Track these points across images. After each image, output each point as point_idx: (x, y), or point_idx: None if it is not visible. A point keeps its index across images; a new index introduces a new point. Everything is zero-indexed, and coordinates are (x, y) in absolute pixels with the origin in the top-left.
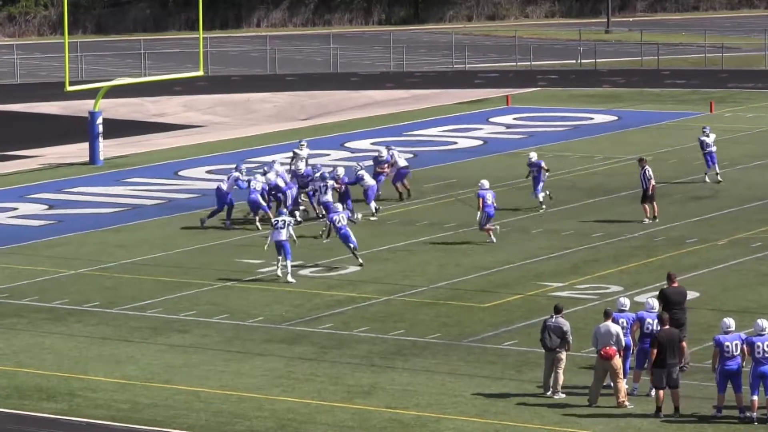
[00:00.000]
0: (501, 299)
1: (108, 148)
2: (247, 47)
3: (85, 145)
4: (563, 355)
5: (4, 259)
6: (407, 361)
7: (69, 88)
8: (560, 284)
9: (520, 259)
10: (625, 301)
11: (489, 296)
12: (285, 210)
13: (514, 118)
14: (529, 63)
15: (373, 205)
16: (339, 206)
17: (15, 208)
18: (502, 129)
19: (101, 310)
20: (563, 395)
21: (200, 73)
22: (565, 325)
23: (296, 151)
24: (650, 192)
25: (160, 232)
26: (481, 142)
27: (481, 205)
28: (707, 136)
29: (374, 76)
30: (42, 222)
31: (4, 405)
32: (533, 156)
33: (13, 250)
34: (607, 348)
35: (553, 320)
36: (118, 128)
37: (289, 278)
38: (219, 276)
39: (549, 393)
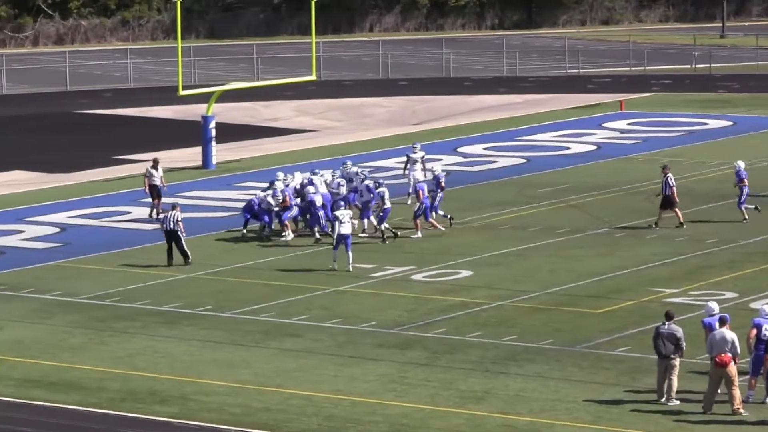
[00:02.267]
0: (615, 305)
1: (221, 152)
2: (360, 52)
3: (198, 150)
4: (677, 362)
5: (117, 262)
6: (520, 366)
7: (182, 93)
8: (674, 290)
9: (633, 264)
10: (714, 306)
11: (602, 302)
12: (342, 203)
13: (628, 124)
14: (643, 68)
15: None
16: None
17: (128, 212)
18: (616, 134)
19: (214, 314)
20: (677, 402)
21: (313, 77)
22: (679, 331)
23: (410, 155)
24: (673, 199)
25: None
26: (594, 148)
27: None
28: None
29: (487, 81)
30: (155, 226)
31: (118, 408)
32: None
33: (127, 253)
34: (723, 355)
35: (666, 327)
36: (230, 132)
37: (350, 268)
38: (331, 280)
39: (663, 399)
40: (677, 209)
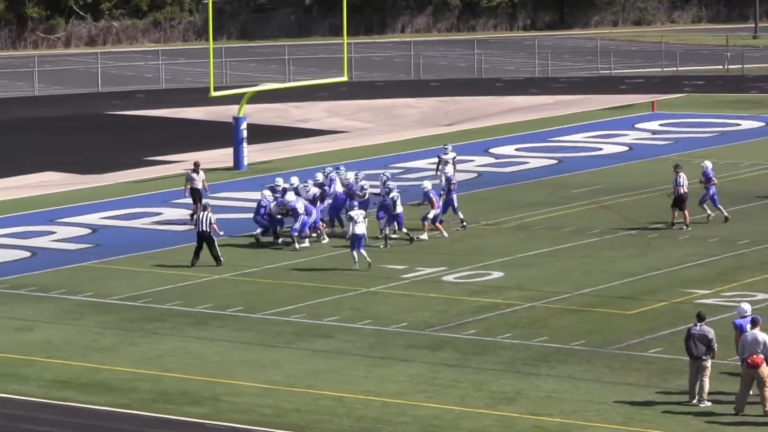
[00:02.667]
0: (646, 306)
1: (252, 153)
2: (391, 53)
3: (230, 150)
4: (708, 363)
5: (148, 263)
6: (551, 367)
7: (213, 94)
8: (706, 291)
9: (666, 265)
10: (747, 307)
11: (634, 303)
12: (356, 203)
13: (660, 124)
14: (675, 68)
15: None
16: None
17: (160, 213)
18: (648, 135)
19: (244, 315)
20: (709, 403)
21: (344, 78)
22: (710, 332)
23: (441, 155)
24: (684, 198)
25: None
26: (626, 148)
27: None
28: None
29: (518, 82)
30: (186, 227)
31: (149, 409)
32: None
33: (157, 254)
34: (755, 356)
35: (698, 328)
36: (262, 133)
37: (363, 264)
38: (362, 281)
39: (695, 401)
40: (686, 211)
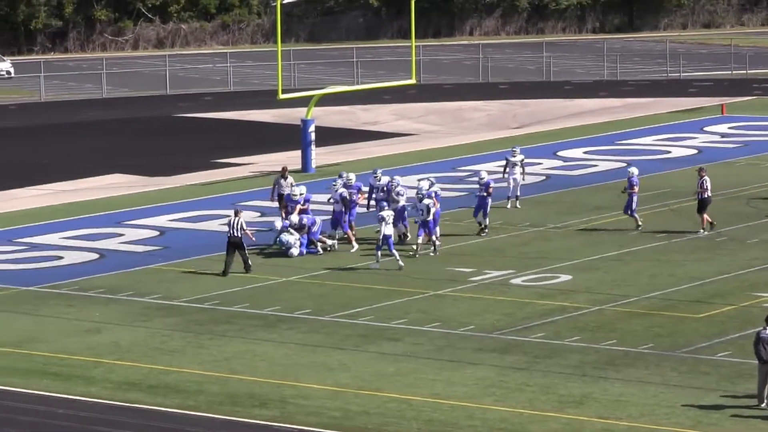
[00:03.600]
0: (715, 310)
1: (320, 156)
2: (460, 55)
3: (298, 153)
4: None
5: (215, 267)
6: (619, 371)
7: (281, 97)
8: None
9: (734, 269)
10: None
11: (703, 307)
12: (386, 204)
13: (729, 127)
14: (744, 71)
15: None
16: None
17: (227, 216)
18: (717, 138)
19: (312, 318)
20: None
21: (412, 81)
22: None
23: (509, 158)
24: (704, 201)
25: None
26: (695, 152)
27: None
28: None
29: (587, 85)
30: (253, 229)
31: (216, 411)
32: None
33: (224, 257)
34: None
35: (767, 332)
36: (330, 136)
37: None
38: (430, 284)
39: (763, 405)
40: (705, 214)
